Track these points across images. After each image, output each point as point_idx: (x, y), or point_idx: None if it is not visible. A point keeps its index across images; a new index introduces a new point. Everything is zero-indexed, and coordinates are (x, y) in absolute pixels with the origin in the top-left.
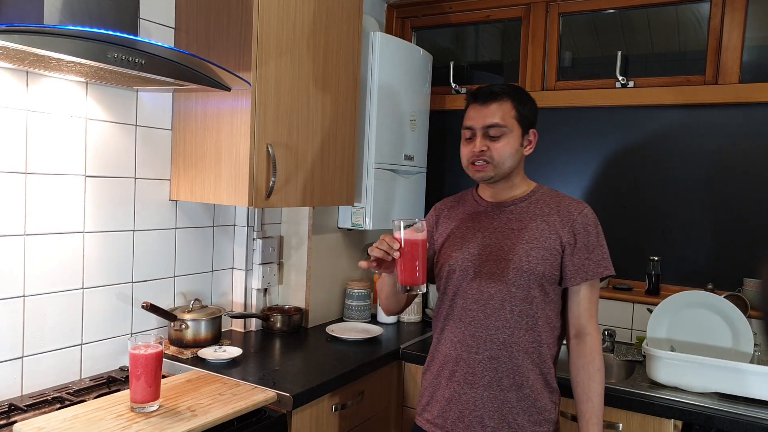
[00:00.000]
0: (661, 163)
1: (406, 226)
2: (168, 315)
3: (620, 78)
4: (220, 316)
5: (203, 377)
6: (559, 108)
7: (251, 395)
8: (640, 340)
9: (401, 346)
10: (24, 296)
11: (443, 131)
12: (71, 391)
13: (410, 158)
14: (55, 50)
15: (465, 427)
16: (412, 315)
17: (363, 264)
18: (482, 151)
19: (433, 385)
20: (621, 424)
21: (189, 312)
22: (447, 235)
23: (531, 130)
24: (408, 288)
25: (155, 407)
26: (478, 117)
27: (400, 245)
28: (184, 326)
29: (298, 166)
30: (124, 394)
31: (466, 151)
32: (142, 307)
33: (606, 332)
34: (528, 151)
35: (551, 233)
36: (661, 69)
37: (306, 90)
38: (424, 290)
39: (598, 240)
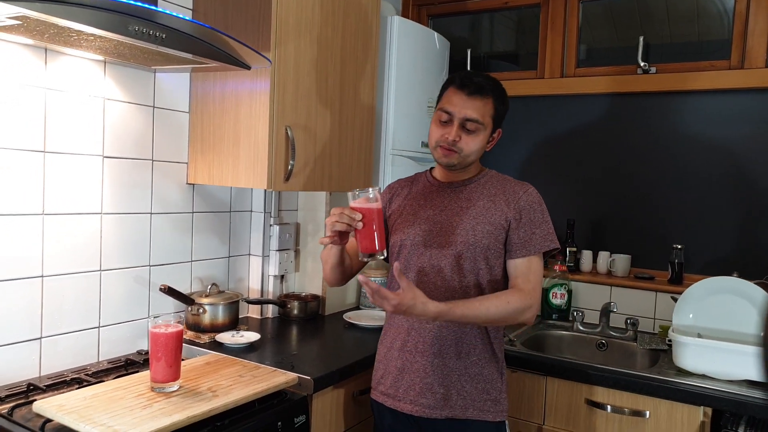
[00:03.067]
0: (684, 149)
1: (361, 196)
2: (186, 299)
3: (642, 64)
4: (238, 302)
5: (222, 360)
6: (578, 95)
7: (272, 377)
8: (664, 329)
9: None
10: (42, 276)
11: None
12: (89, 372)
13: (427, 145)
14: (75, 20)
15: (416, 394)
16: None
17: (324, 240)
18: (455, 140)
19: (387, 358)
20: (648, 412)
21: (206, 296)
22: (399, 211)
23: (498, 129)
24: (369, 255)
25: (175, 387)
26: (461, 106)
27: (358, 215)
28: (201, 310)
29: (316, 149)
30: (144, 375)
31: (437, 133)
32: (160, 289)
33: (628, 321)
34: (489, 147)
35: (496, 210)
36: (681, 58)
37: (324, 72)
38: (385, 255)
39: (543, 216)
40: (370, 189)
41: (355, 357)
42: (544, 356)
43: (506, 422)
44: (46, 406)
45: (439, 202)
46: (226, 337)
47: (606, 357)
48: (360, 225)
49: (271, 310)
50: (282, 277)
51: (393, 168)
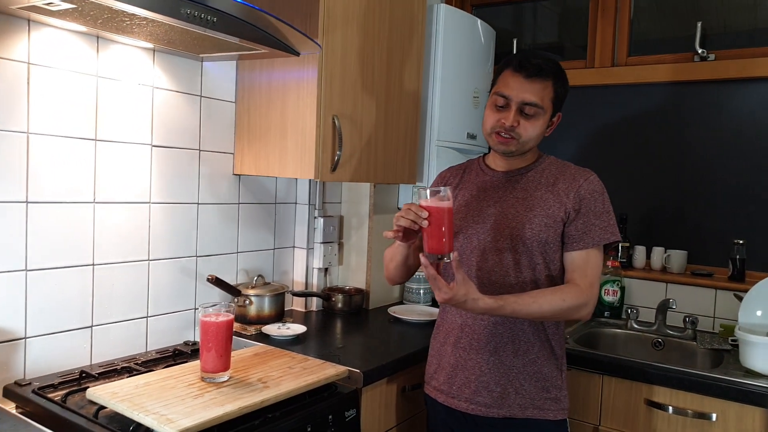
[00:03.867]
0: (745, 140)
1: (432, 194)
2: (232, 290)
3: (700, 51)
4: (284, 293)
5: (270, 351)
6: (631, 84)
7: (322, 370)
8: (726, 328)
9: None
10: (93, 265)
11: None
12: (139, 361)
13: (473, 137)
14: (129, 2)
15: (471, 393)
16: None
17: (389, 234)
18: (513, 126)
19: (440, 353)
20: (715, 414)
21: (252, 288)
22: (455, 202)
23: (558, 113)
24: (438, 257)
25: (225, 378)
26: (519, 90)
27: (426, 214)
28: (248, 302)
29: (362, 139)
30: (194, 365)
31: (492, 119)
32: (208, 280)
33: (687, 319)
34: (549, 132)
35: (555, 201)
36: (739, 46)
37: (370, 62)
38: (453, 258)
39: (604, 207)
40: (442, 187)
41: (403, 351)
42: (600, 354)
43: (567, 421)
44: (99, 393)
45: (493, 192)
46: (272, 329)
47: (663, 356)
48: (425, 223)
49: (315, 303)
50: (326, 270)
51: (438, 160)
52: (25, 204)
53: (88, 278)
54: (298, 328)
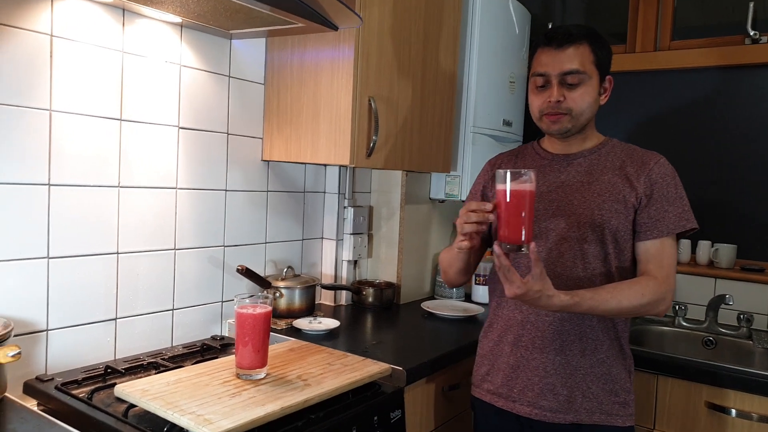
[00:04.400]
0: None
1: (513, 176)
2: (262, 281)
3: (752, 32)
4: (315, 286)
5: (306, 347)
6: (674, 70)
7: (363, 367)
8: None
9: None
10: (118, 253)
11: None
12: (165, 356)
13: (509, 124)
14: None
15: (535, 395)
16: None
17: (464, 245)
18: (559, 101)
19: (494, 353)
20: None
21: (282, 280)
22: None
23: (607, 77)
24: (517, 247)
25: (262, 374)
26: (554, 62)
27: (504, 198)
28: (278, 294)
29: (397, 124)
30: (227, 361)
31: (538, 101)
32: (238, 270)
33: (741, 316)
34: (604, 100)
35: (625, 185)
36: None
37: (407, 41)
38: (531, 249)
39: (677, 191)
40: (523, 170)
41: (443, 349)
42: (656, 352)
43: (634, 428)
44: (128, 390)
45: (554, 177)
46: (303, 323)
47: (716, 356)
48: (492, 217)
49: (344, 297)
50: (355, 262)
51: (473, 147)
52: (47, 186)
53: (112, 268)
54: (331, 323)
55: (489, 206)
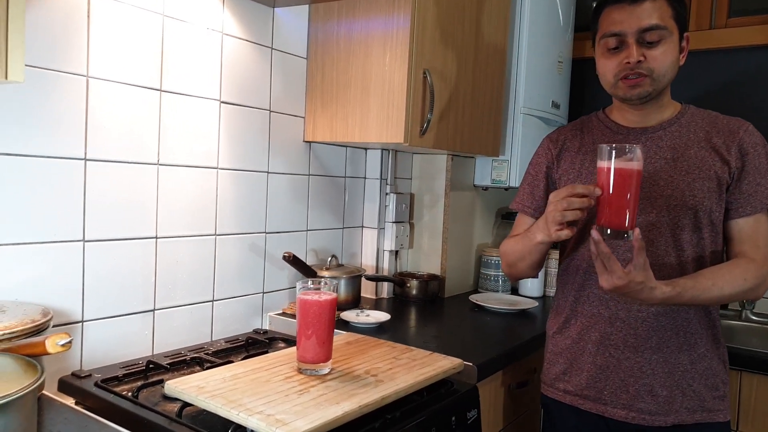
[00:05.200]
0: None
1: (618, 153)
2: (309, 271)
3: None
4: (360, 277)
5: (363, 340)
6: (732, 48)
7: (434, 361)
8: None
9: None
10: (156, 238)
11: (581, 83)
12: (209, 351)
13: (557, 106)
14: None
15: (630, 398)
16: None
17: (564, 234)
18: (639, 61)
19: (573, 351)
20: None
21: (327, 269)
22: (576, 171)
23: (685, 34)
24: (620, 233)
25: (327, 369)
26: (630, 19)
27: (608, 178)
28: (323, 284)
29: (450, 100)
30: (282, 355)
31: (612, 65)
32: (284, 257)
33: None
34: (683, 60)
35: (715, 160)
36: None
37: (461, 13)
38: (635, 236)
39: None
40: (627, 145)
41: (508, 344)
42: (740, 347)
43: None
44: (182, 387)
45: None
46: (350, 316)
47: None
48: (593, 202)
49: (386, 290)
50: (396, 253)
51: (523, 129)
52: (83, 162)
53: (150, 254)
54: (381, 315)
55: (598, 190)
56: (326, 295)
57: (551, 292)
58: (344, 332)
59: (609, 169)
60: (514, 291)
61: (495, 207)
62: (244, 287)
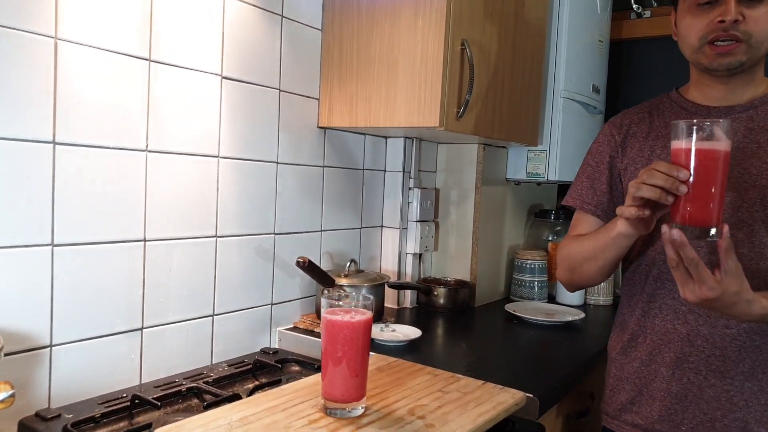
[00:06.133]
0: None
1: (698, 129)
2: (326, 278)
3: None
4: (384, 285)
5: (398, 365)
6: None
7: (490, 395)
8: None
9: None
10: (144, 241)
11: (618, 67)
12: (209, 379)
13: (597, 90)
14: None
15: None
16: (601, 295)
17: (632, 211)
18: (736, 20)
19: (642, 375)
20: None
21: (346, 276)
22: (645, 160)
23: None
24: (704, 231)
25: (360, 410)
26: None
27: (688, 162)
28: (342, 294)
29: (489, 78)
30: (303, 387)
31: (700, 23)
32: (299, 263)
33: None
34: None
35: None
36: None
37: None
38: (723, 234)
39: None
40: (708, 120)
41: (563, 366)
42: None
43: None
44: None
45: None
46: (375, 332)
47: None
48: (684, 189)
49: (409, 298)
50: (420, 256)
51: (563, 115)
52: (51, 146)
53: (137, 260)
54: (410, 331)
55: (685, 173)
56: (360, 315)
57: (598, 300)
58: (371, 353)
59: (688, 151)
60: (551, 299)
61: (527, 204)
62: (249, 298)
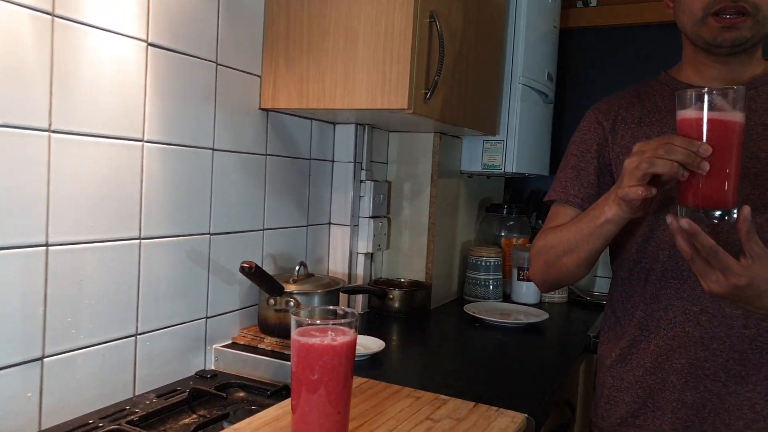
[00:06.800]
0: None
1: (710, 97)
2: (273, 285)
3: None
4: (338, 290)
5: (368, 387)
6: None
7: (487, 420)
8: None
9: (591, 335)
10: (47, 245)
11: (565, 57)
12: (134, 418)
13: (551, 78)
14: None
15: None
16: (556, 293)
17: (638, 191)
18: None
19: (647, 384)
20: None
21: (294, 282)
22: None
23: None
24: (719, 213)
25: None
26: None
27: (700, 135)
28: (292, 304)
29: (455, 58)
30: (261, 425)
31: None
32: (243, 269)
33: None
34: None
35: None
36: None
37: None
38: (743, 214)
39: None
40: (717, 88)
41: (543, 374)
42: None
43: None
44: None
45: None
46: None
47: None
48: (706, 166)
49: (360, 303)
50: (371, 256)
51: (522, 104)
52: None
53: (36, 270)
54: (372, 343)
55: (707, 148)
56: (342, 337)
57: (553, 298)
58: None
59: (700, 122)
60: (506, 298)
61: (479, 197)
62: (180, 312)
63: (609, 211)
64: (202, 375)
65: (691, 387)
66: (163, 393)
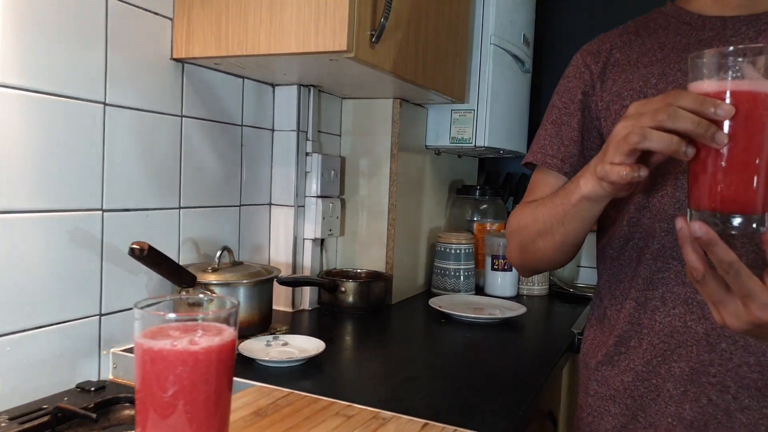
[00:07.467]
0: None
1: (742, 63)
2: (182, 274)
3: None
4: (272, 281)
5: (286, 403)
6: None
7: None
8: None
9: (575, 332)
10: None
11: (543, 22)
12: None
13: (528, 43)
14: None
15: None
16: (535, 284)
17: (622, 172)
18: None
19: (637, 393)
20: None
21: (215, 272)
22: (637, 95)
23: None
24: (743, 221)
25: None
26: None
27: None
28: (206, 299)
29: (411, 5)
30: None
31: None
32: (133, 251)
33: None
34: None
35: None
36: None
37: None
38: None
39: None
40: (738, 47)
41: (526, 381)
42: None
43: None
44: None
45: None
46: (257, 349)
47: None
48: (723, 138)
49: (307, 298)
50: (322, 242)
51: (494, 69)
52: None
53: None
54: (309, 345)
55: (727, 108)
56: (207, 339)
57: (532, 289)
58: (248, 381)
59: (722, 95)
60: (479, 290)
61: (449, 179)
62: (63, 307)
63: (585, 187)
64: (84, 388)
65: (690, 398)
66: (20, 414)
